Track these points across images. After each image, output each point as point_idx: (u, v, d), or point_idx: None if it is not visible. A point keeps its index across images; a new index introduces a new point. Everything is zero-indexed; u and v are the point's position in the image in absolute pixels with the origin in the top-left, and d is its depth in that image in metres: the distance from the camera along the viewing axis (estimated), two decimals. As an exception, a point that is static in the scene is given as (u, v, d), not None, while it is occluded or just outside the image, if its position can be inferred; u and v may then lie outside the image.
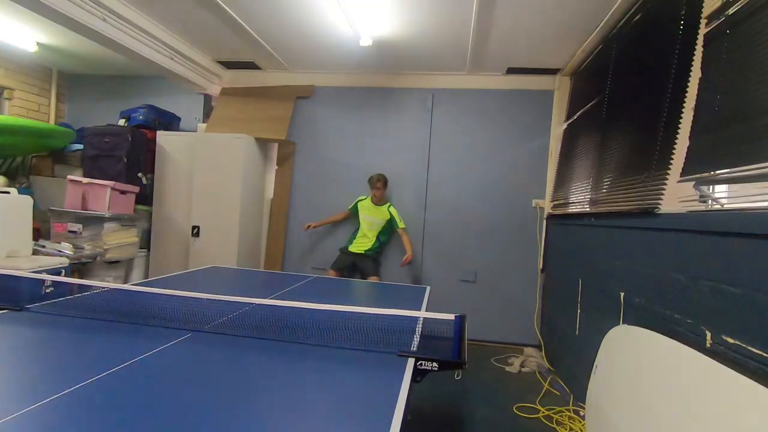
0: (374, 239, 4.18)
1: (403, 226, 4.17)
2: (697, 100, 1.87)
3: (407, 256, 4.08)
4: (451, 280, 4.36)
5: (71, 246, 3.56)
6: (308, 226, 4.29)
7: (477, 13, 3.01)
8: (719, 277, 1.57)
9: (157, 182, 4.47)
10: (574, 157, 3.59)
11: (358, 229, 4.25)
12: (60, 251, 3.46)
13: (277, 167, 4.70)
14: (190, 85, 4.49)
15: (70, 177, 3.90)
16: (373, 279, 4.12)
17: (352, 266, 4.20)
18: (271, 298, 2.10)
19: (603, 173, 2.85)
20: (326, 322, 1.67)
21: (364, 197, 4.27)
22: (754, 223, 1.40)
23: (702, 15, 1.91)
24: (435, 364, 1.38)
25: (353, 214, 4.31)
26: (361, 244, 4.18)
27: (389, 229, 4.26)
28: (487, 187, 4.35)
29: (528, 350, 3.95)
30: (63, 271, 3.24)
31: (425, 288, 2.78)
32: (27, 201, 3.26)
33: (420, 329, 1.71)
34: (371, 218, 4.19)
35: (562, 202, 3.76)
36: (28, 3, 2.77)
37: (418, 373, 1.36)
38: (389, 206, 4.20)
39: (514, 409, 2.85)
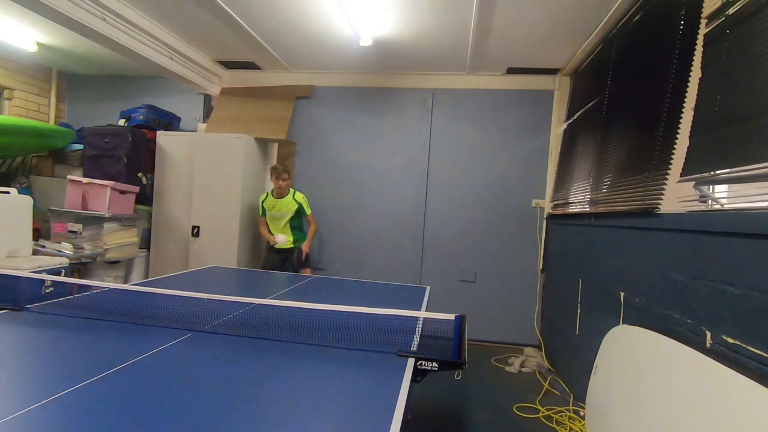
0: (289, 232, 4.00)
1: (310, 212, 4.02)
2: (697, 100, 1.87)
3: (305, 249, 3.93)
4: (451, 280, 4.37)
5: (71, 246, 3.56)
6: (274, 242, 4.01)
7: (477, 13, 3.01)
8: (719, 277, 1.57)
9: (157, 182, 4.47)
10: (574, 157, 3.59)
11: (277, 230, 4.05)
12: (60, 251, 3.46)
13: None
14: (190, 85, 4.49)
15: (70, 177, 3.91)
16: (305, 272, 3.93)
17: (284, 262, 3.98)
18: (271, 298, 2.10)
19: (603, 173, 2.85)
20: (326, 322, 1.66)
21: (264, 195, 4.08)
22: (754, 223, 1.40)
23: (702, 15, 1.91)
24: (435, 364, 1.38)
25: (265, 216, 4.10)
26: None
27: (298, 216, 4.05)
28: (487, 187, 4.35)
29: (528, 350, 3.95)
30: (63, 271, 3.24)
31: (425, 288, 2.78)
32: (27, 201, 3.26)
33: (420, 329, 1.71)
34: (277, 213, 3.99)
35: (562, 202, 3.76)
36: (28, 3, 2.77)
37: (418, 373, 1.36)
38: (294, 194, 3.99)
39: (514, 409, 2.85)
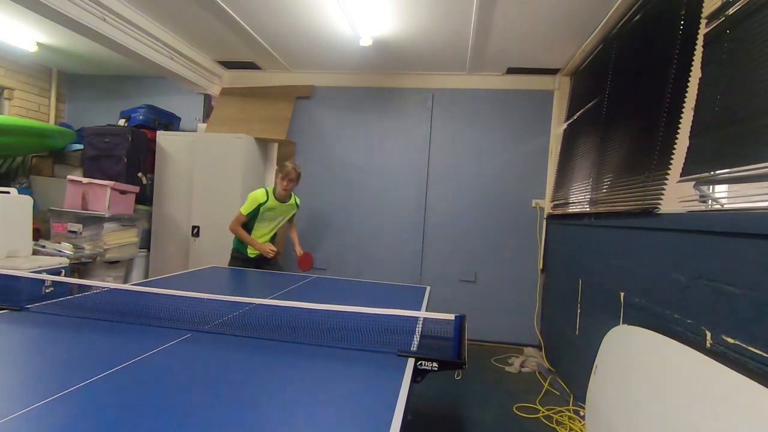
0: (274, 236, 3.53)
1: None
2: (697, 100, 1.87)
3: (300, 252, 3.57)
4: (451, 280, 4.37)
5: (71, 246, 3.56)
6: (271, 251, 3.40)
7: (477, 13, 3.01)
8: (719, 277, 1.56)
9: (157, 182, 4.47)
10: (574, 157, 3.59)
11: (250, 232, 3.38)
12: (60, 251, 3.46)
13: (277, 167, 4.69)
14: (190, 85, 4.49)
15: (70, 177, 3.91)
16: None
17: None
18: (271, 298, 2.10)
19: (603, 173, 2.85)
20: (326, 322, 1.66)
21: (264, 197, 3.32)
22: (754, 223, 1.40)
23: (702, 15, 1.91)
24: (435, 364, 1.38)
25: (249, 217, 3.35)
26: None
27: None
28: (487, 187, 4.35)
29: (528, 350, 3.95)
30: (63, 271, 3.24)
31: (425, 288, 2.78)
32: (27, 201, 3.26)
33: (420, 329, 1.71)
34: (279, 218, 3.48)
35: (562, 202, 3.76)
36: (28, 3, 2.77)
37: (418, 374, 1.36)
38: (293, 197, 3.53)
39: (514, 409, 2.85)
